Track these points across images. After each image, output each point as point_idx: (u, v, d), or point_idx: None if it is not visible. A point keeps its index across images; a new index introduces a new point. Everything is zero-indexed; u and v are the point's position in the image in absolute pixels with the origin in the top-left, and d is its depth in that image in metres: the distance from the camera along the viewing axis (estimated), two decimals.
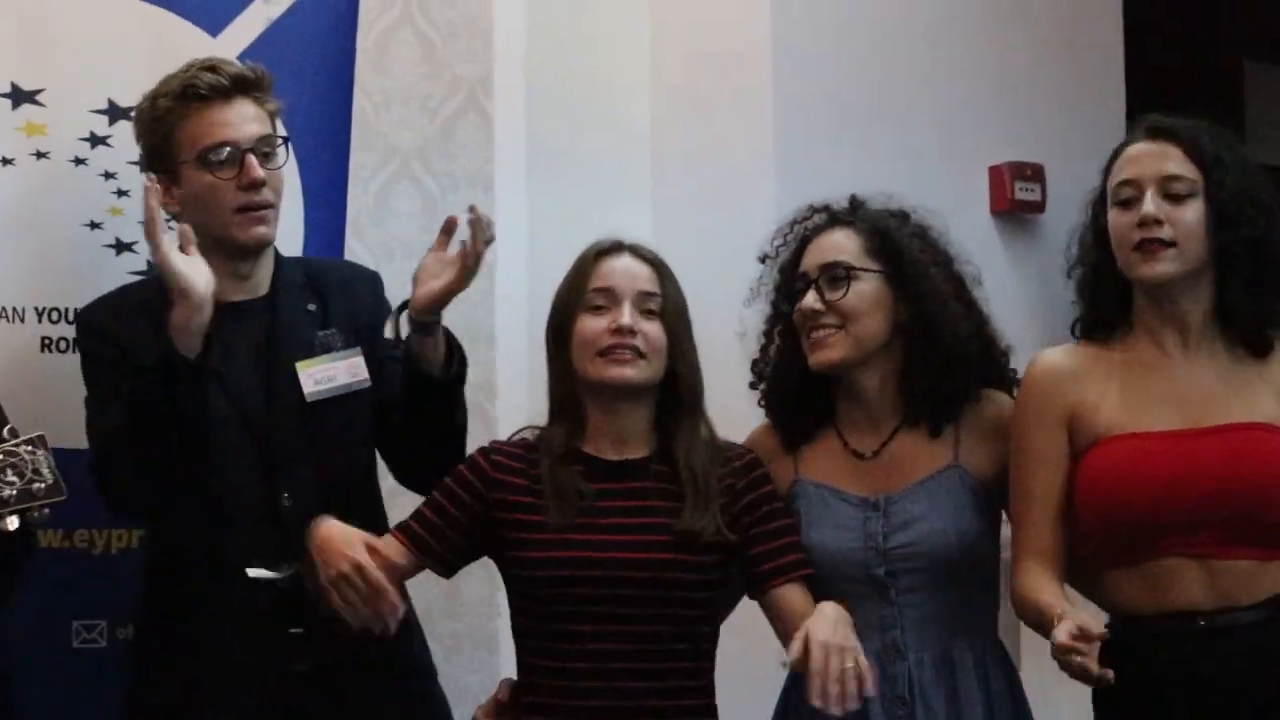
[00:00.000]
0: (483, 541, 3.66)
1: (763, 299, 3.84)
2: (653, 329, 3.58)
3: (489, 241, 3.73)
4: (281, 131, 3.91)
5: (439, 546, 3.64)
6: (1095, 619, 3.40)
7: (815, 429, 3.75)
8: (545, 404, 3.74)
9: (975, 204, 5.69)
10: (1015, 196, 5.72)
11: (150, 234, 3.61)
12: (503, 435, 3.83)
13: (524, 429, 3.75)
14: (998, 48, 5.73)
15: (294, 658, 3.74)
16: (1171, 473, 3.49)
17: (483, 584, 4.67)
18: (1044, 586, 3.53)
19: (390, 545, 3.62)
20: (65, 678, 4.08)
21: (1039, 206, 5.72)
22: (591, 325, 3.58)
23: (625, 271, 3.64)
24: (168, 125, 3.84)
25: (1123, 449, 3.53)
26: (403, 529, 3.65)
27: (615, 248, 3.67)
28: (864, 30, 5.48)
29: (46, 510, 3.03)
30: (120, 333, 3.81)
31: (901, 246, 3.68)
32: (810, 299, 3.65)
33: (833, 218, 3.76)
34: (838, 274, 3.65)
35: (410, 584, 3.96)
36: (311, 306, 3.90)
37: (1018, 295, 5.32)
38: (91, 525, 4.09)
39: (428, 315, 3.74)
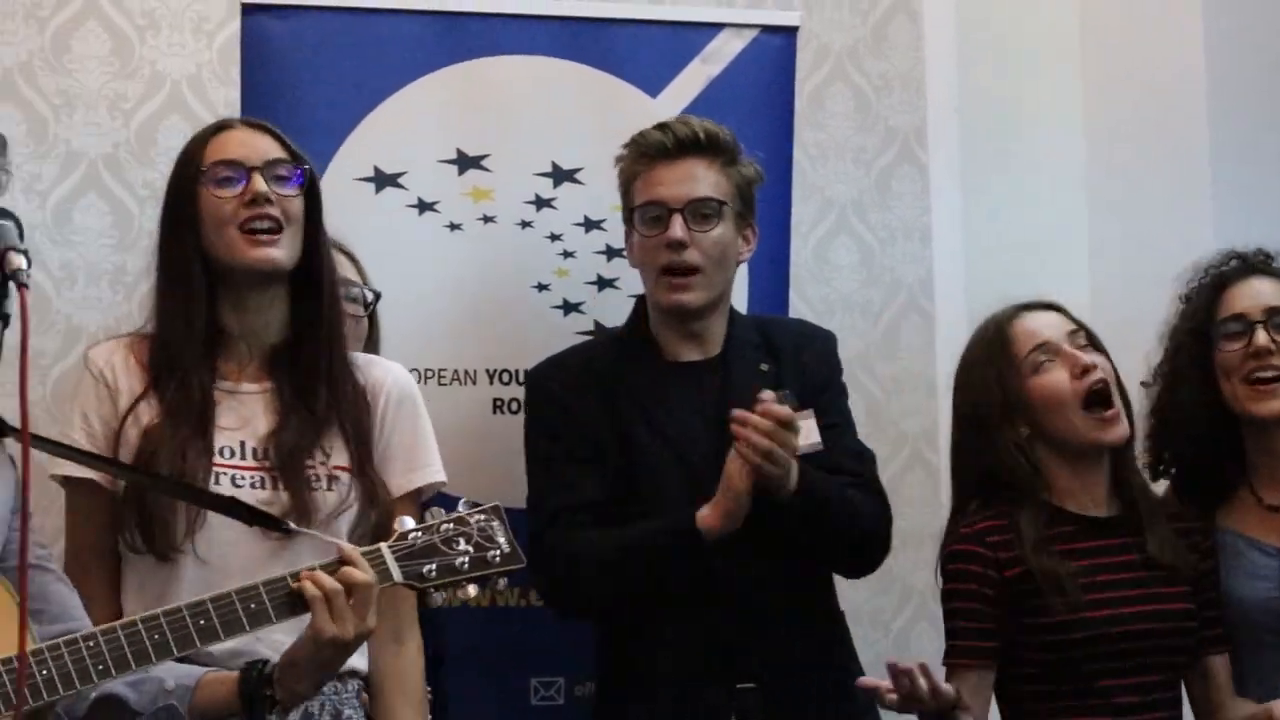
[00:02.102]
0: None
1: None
2: (1100, 360, 3.44)
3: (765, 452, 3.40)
4: (726, 196, 3.66)
5: (996, 644, 3.44)
6: None
7: (1227, 487, 3.57)
8: None
9: None
10: None
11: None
12: (945, 484, 3.65)
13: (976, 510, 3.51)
14: None
15: (745, 712, 3.52)
16: None
17: (932, 637, 4.39)
18: None
19: (967, 684, 3.39)
20: None
21: None
22: (1053, 381, 3.41)
23: (1048, 323, 3.50)
24: (625, 178, 3.73)
25: None
26: (966, 653, 3.44)
27: (1018, 310, 3.54)
28: None
29: (505, 579, 2.95)
30: (566, 397, 3.68)
31: None
32: (1262, 338, 3.46)
33: (1255, 266, 3.60)
34: None
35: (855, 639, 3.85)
36: (765, 366, 3.70)
37: None
38: None
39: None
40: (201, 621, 2.68)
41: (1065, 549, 3.38)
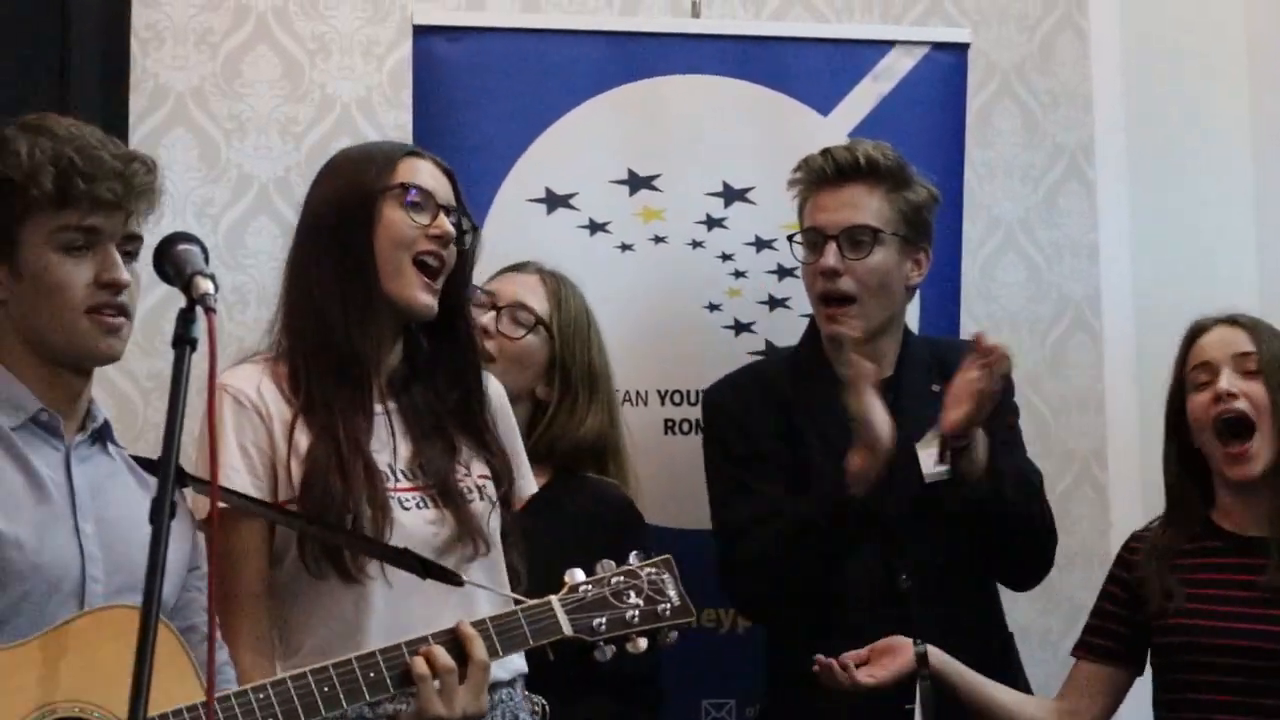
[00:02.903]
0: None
1: None
2: (1253, 388, 3.31)
3: (1004, 375, 3.44)
4: (884, 223, 3.61)
5: (1111, 645, 3.47)
6: None
7: None
8: (1156, 472, 3.50)
9: None
10: None
11: (855, 387, 3.42)
12: (1114, 503, 3.61)
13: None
14: None
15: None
16: None
17: None
18: None
19: (1080, 672, 3.49)
20: None
21: None
22: (1199, 404, 3.34)
23: (1220, 341, 3.37)
24: (799, 202, 3.71)
25: None
26: (1081, 645, 3.51)
27: (1210, 324, 3.42)
28: None
29: (675, 633, 2.90)
30: (743, 415, 3.66)
31: None
32: None
33: None
34: None
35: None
36: (935, 387, 3.63)
37: None
38: (718, 605, 3.93)
39: (956, 441, 3.45)
40: (325, 689, 2.60)
41: (1203, 562, 3.34)
